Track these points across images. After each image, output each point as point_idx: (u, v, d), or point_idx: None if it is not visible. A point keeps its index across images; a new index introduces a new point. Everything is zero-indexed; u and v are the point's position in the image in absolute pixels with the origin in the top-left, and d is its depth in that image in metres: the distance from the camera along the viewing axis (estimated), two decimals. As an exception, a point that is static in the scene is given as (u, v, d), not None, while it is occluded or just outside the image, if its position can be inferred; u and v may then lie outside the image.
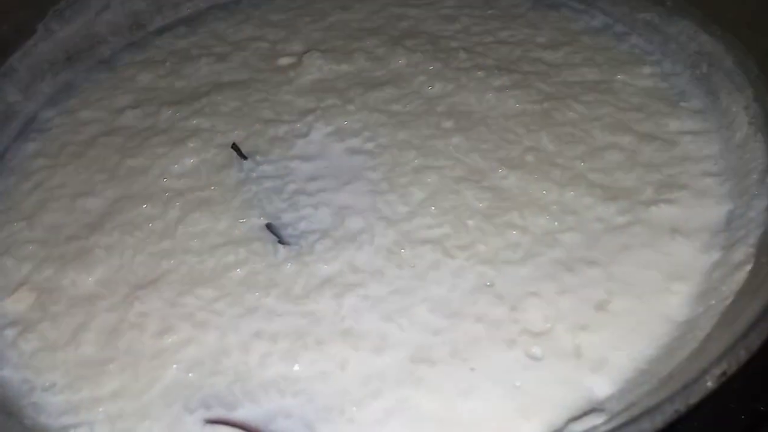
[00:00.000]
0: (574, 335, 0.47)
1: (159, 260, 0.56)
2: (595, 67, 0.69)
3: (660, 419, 0.32)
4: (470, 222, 0.56)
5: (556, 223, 0.54)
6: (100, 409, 0.47)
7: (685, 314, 0.47)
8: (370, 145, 0.64)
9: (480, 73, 0.70)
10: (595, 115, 0.64)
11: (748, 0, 0.59)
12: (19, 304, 0.55)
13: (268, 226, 0.57)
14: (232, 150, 0.65)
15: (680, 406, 0.32)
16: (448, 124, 0.65)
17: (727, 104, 0.60)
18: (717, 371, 0.34)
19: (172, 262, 0.56)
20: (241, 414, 0.45)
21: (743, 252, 0.47)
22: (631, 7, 0.72)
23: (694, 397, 0.33)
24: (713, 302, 0.45)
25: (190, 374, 0.48)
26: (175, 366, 0.49)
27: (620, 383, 0.44)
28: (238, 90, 0.72)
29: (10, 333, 0.53)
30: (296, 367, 0.48)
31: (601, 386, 0.44)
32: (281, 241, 0.56)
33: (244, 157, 0.64)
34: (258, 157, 0.64)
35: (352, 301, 0.51)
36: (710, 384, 0.33)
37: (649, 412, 0.33)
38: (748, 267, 0.45)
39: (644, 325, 0.47)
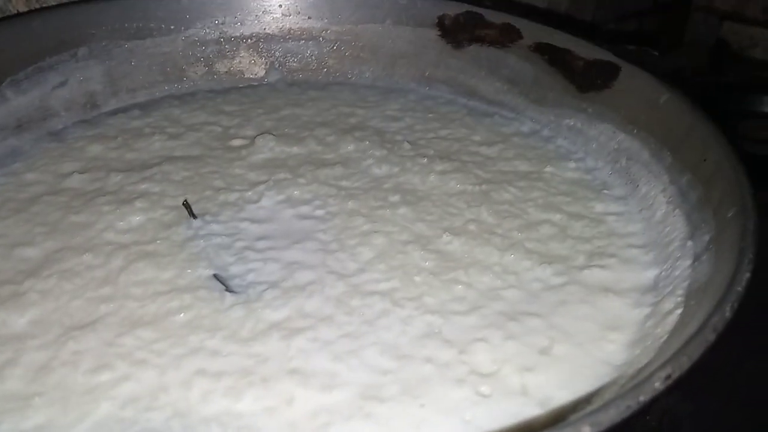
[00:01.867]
0: (520, 375, 0.48)
1: (97, 305, 0.54)
2: (526, 160, 0.76)
3: (615, 413, 0.33)
4: (417, 278, 0.57)
5: (498, 281, 0.57)
6: (22, 443, 0.43)
7: (622, 358, 0.49)
8: (320, 212, 0.66)
9: (423, 160, 0.75)
10: (528, 197, 0.69)
11: (659, 103, 0.68)
12: (-61, 342, 0.51)
13: (216, 276, 0.57)
14: (182, 209, 0.65)
15: (632, 402, 0.34)
16: (394, 198, 0.68)
17: (646, 190, 0.67)
18: (662, 374, 0.35)
19: (111, 306, 0.54)
20: (179, 448, 0.43)
21: (672, 301, 0.51)
22: (556, 115, 0.81)
23: (645, 395, 0.34)
24: (649, 343, 0.48)
25: (124, 410, 0.45)
26: (108, 402, 0.46)
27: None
28: (190, 163, 0.74)
29: (-75, 370, 0.48)
30: (240, 403, 0.46)
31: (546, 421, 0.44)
32: (228, 290, 0.56)
33: (194, 216, 0.64)
34: (207, 217, 0.65)
35: (301, 343, 0.51)
36: (658, 384, 0.35)
37: (603, 407, 0.34)
38: (679, 311, 0.48)
39: (585, 367, 0.49)
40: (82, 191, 0.69)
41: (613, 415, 0.34)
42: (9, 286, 0.56)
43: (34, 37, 0.80)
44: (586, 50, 0.79)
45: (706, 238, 0.53)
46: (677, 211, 0.61)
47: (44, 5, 0.90)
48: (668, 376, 0.35)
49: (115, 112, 0.85)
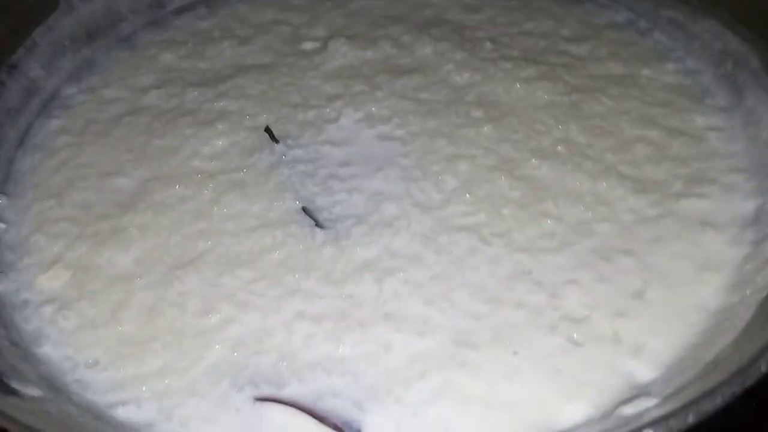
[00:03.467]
0: (612, 322, 0.48)
1: (195, 241, 0.56)
2: (620, 61, 0.70)
3: (720, 400, 0.33)
4: (505, 210, 0.56)
5: (590, 214, 0.56)
6: (146, 387, 0.47)
7: (718, 304, 0.49)
8: (400, 132, 0.64)
9: (507, 64, 0.70)
10: (622, 108, 0.65)
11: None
12: (54, 281, 0.54)
13: (304, 210, 0.58)
14: (263, 133, 0.65)
15: (737, 388, 0.34)
16: (477, 113, 0.65)
17: (752, 103, 0.62)
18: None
19: (208, 243, 0.56)
20: (289, 392, 0.46)
21: (775, 245, 0.49)
22: (656, 4, 0.73)
23: (749, 380, 0.34)
24: (748, 293, 0.47)
25: (234, 353, 0.49)
26: (218, 345, 0.49)
27: (661, 368, 0.45)
28: (263, 74, 0.72)
29: (47, 310, 0.52)
30: (341, 348, 0.48)
31: (642, 371, 0.45)
32: (318, 225, 0.57)
33: (276, 141, 0.64)
34: (289, 141, 0.64)
35: (392, 285, 0.52)
36: (764, 368, 0.34)
37: (709, 393, 0.34)
38: (784, 259, 0.47)
39: (679, 313, 0.48)
40: (162, 110, 0.69)
41: (719, 402, 0.34)
42: (108, 220, 0.58)
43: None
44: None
45: (820, 174, 0.50)
46: (788, 133, 0.56)
47: None
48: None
49: (180, 11, 0.82)
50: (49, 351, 0.50)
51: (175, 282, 0.53)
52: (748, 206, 0.55)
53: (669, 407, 0.35)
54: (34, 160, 0.65)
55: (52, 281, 0.54)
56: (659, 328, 0.48)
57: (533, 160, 0.60)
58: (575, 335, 0.48)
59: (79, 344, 0.50)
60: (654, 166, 0.59)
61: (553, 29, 0.75)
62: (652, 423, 0.33)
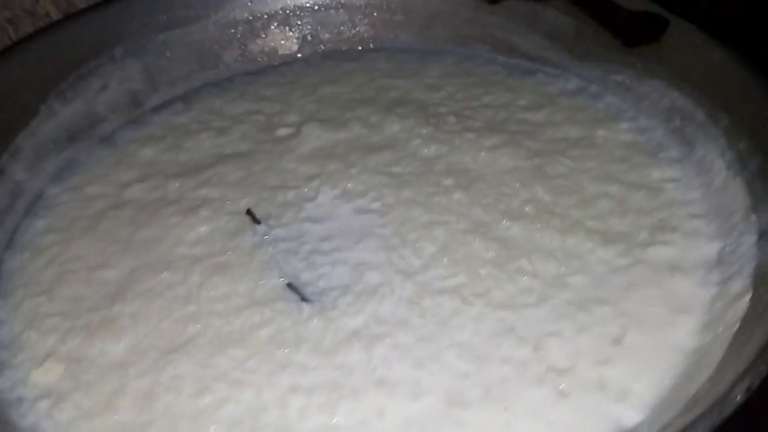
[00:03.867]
0: (596, 369, 0.50)
1: (185, 325, 0.57)
2: (576, 124, 0.75)
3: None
4: (483, 271, 0.59)
5: (563, 268, 0.58)
6: (145, 473, 0.47)
7: (693, 344, 0.51)
8: (376, 205, 0.67)
9: (471, 135, 0.75)
10: (582, 167, 0.69)
11: (712, 58, 0.66)
12: (48, 375, 0.55)
13: (290, 286, 0.60)
14: (245, 216, 0.67)
15: (716, 419, 0.36)
16: (447, 181, 0.69)
17: (702, 153, 0.66)
18: (743, 386, 0.37)
19: (198, 326, 0.57)
20: (287, 467, 0.46)
21: (740, 284, 0.52)
22: (603, 70, 0.79)
23: (727, 410, 0.36)
24: (720, 330, 0.49)
25: (231, 432, 0.49)
26: (214, 426, 0.50)
27: (646, 411, 0.47)
28: (241, 160, 0.75)
29: (43, 404, 0.53)
30: (335, 418, 0.49)
31: (630, 415, 0.47)
32: (304, 299, 0.58)
33: (258, 222, 0.66)
34: (270, 221, 0.67)
35: (381, 351, 0.53)
36: (739, 398, 0.36)
37: (690, 426, 0.36)
38: (748, 296, 0.49)
39: (659, 355, 0.50)
40: (145, 202, 0.71)
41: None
42: (99, 312, 0.59)
43: (70, 44, 0.80)
44: (629, 1, 0.76)
45: (772, 212, 0.54)
46: (737, 179, 0.60)
47: (71, 4, 0.90)
48: (748, 388, 0.37)
49: (158, 109, 0.86)
50: (46, 446, 0.50)
51: (168, 366, 0.54)
52: (711, 249, 0.58)
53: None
54: (23, 259, 0.66)
55: (46, 375, 0.55)
56: (641, 372, 0.50)
57: (504, 221, 0.63)
58: (562, 386, 0.49)
59: (76, 437, 0.50)
60: (618, 219, 0.63)
61: (510, 100, 0.81)
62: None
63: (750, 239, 0.55)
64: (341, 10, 0.94)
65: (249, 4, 0.91)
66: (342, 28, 0.94)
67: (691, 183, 0.65)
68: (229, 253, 0.64)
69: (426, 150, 0.74)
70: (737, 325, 0.48)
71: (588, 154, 0.71)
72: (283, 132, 0.79)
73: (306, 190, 0.70)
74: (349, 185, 0.70)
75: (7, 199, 0.71)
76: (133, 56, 0.85)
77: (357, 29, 0.94)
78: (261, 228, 0.66)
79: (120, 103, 0.84)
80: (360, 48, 0.93)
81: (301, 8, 0.93)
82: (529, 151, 0.72)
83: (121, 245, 0.66)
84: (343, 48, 0.93)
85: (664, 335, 0.52)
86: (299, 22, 0.93)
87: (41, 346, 0.57)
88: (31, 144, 0.74)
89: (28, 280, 0.64)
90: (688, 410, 0.41)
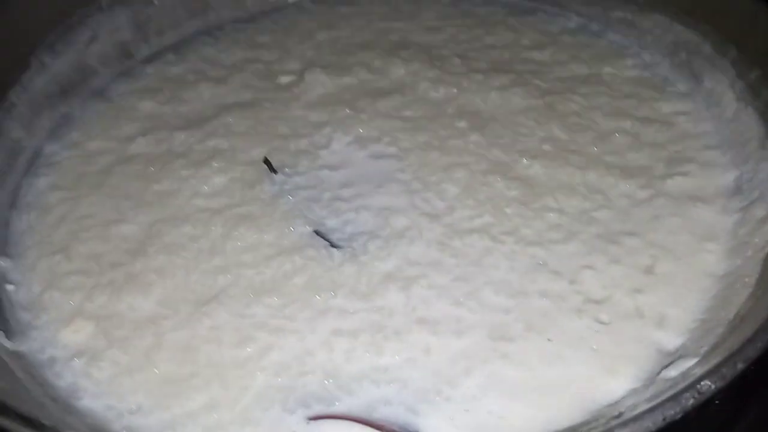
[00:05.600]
0: (632, 298, 0.52)
1: (215, 276, 0.56)
2: (581, 62, 0.75)
3: (761, 345, 0.37)
4: (508, 210, 0.59)
5: (587, 203, 0.59)
6: (197, 423, 0.47)
7: (723, 268, 0.53)
8: (392, 150, 0.67)
9: (478, 76, 0.74)
10: (594, 104, 0.69)
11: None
12: (78, 334, 0.54)
13: (317, 233, 0.59)
14: (260, 166, 0.66)
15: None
16: (461, 124, 0.69)
17: (711, 86, 0.67)
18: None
19: (229, 276, 0.56)
20: (342, 407, 0.47)
21: (764, 209, 0.53)
22: (604, 7, 0.79)
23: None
24: (749, 254, 0.51)
25: (279, 378, 0.49)
26: (261, 372, 0.50)
27: (686, 334, 0.48)
28: (246, 110, 0.73)
29: (78, 363, 0.52)
30: (383, 358, 0.50)
31: (669, 339, 0.49)
32: (333, 245, 0.58)
33: (275, 171, 0.65)
34: (287, 170, 0.66)
35: (418, 291, 0.54)
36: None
37: (751, 340, 0.37)
38: (775, 219, 0.51)
39: (691, 281, 0.52)
40: (152, 155, 0.69)
41: (760, 346, 0.37)
42: (121, 268, 0.58)
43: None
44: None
45: (790, 139, 0.55)
46: (749, 109, 0.62)
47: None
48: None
49: (150, 60, 0.83)
50: (89, 403, 0.49)
51: (203, 318, 0.53)
52: (728, 178, 0.60)
53: (712, 362, 0.38)
54: (30, 219, 0.64)
55: (75, 334, 0.54)
56: (675, 298, 0.51)
57: (524, 160, 0.64)
58: (601, 315, 0.51)
59: (118, 392, 0.50)
60: (635, 153, 0.64)
61: (513, 40, 0.80)
62: (708, 374, 0.35)
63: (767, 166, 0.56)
64: (331, -52, 0.90)
65: (236, -53, 0.88)
66: (333, -33, 0.91)
67: (701, 115, 0.67)
68: (250, 203, 0.63)
69: (435, 93, 0.73)
70: (767, 249, 0.49)
71: (597, 91, 0.71)
72: (285, 79, 0.77)
73: (318, 137, 0.69)
74: (362, 131, 0.69)
75: (7, 158, 0.68)
76: (120, 4, 0.81)
77: (349, -31, 0.91)
78: (278, 177, 0.65)
79: (110, 54, 0.80)
80: (354, -10, 0.91)
81: (290, -49, 0.90)
82: (538, 90, 0.72)
83: (135, 200, 0.64)
84: (336, -10, 0.91)
85: (693, 262, 0.53)
86: (288, -35, 0.90)
87: (66, 305, 0.56)
88: (24, 99, 0.71)
89: (40, 239, 0.62)
90: (735, 329, 0.43)
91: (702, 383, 0.35)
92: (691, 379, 0.36)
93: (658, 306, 0.51)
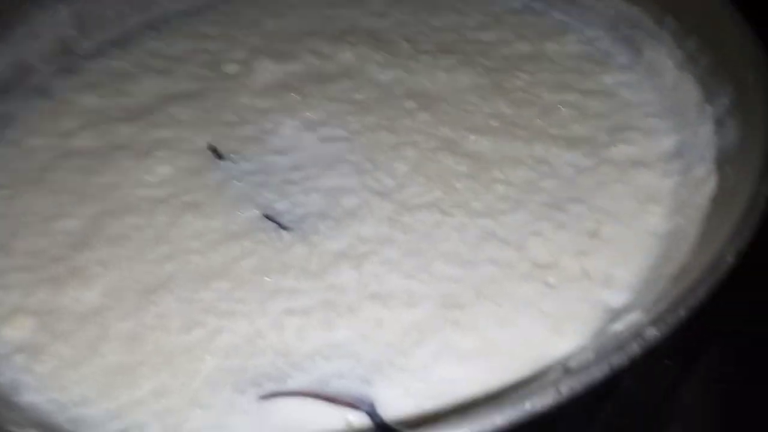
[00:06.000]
0: (578, 261, 0.52)
1: (161, 264, 0.55)
2: (525, 41, 0.76)
3: (702, 292, 0.37)
4: (458, 184, 0.59)
5: (534, 173, 0.60)
6: (145, 410, 0.46)
7: (665, 228, 0.53)
8: (341, 132, 0.66)
9: (426, 58, 0.74)
10: (538, 80, 0.70)
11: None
12: (18, 330, 0.52)
13: (266, 216, 0.58)
14: (206, 154, 0.65)
15: (713, 280, 0.38)
16: (410, 104, 0.69)
17: (651, 56, 0.68)
18: (733, 249, 0.39)
19: (175, 263, 0.55)
20: (294, 384, 0.46)
21: (703, 169, 0.54)
22: (545, -14, 0.80)
23: (719, 273, 0.38)
24: (690, 212, 0.52)
25: (229, 361, 0.48)
26: (210, 356, 0.49)
27: (631, 292, 0.49)
28: (191, 100, 0.72)
29: (19, 359, 0.50)
30: (335, 334, 0.49)
31: (615, 297, 0.49)
32: (282, 227, 0.57)
33: (221, 158, 0.64)
34: (233, 156, 0.65)
35: (370, 268, 0.53)
36: (731, 259, 0.39)
37: (692, 290, 0.38)
38: (714, 179, 0.52)
39: (634, 242, 0.53)
40: (94, 149, 0.67)
41: (701, 294, 0.38)
42: (64, 262, 0.57)
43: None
44: None
45: (726, 101, 0.56)
46: (688, 76, 0.63)
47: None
48: (738, 252, 0.39)
49: (92, 55, 0.81)
50: (31, 398, 0.47)
51: (150, 306, 0.52)
52: (669, 142, 0.61)
53: (655, 312, 0.39)
54: (-34, 219, 0.62)
55: (16, 330, 0.52)
56: (620, 258, 0.52)
57: (471, 136, 0.64)
58: (549, 279, 0.51)
59: (62, 385, 0.48)
60: (579, 124, 0.64)
61: (458, 22, 0.81)
62: (652, 322, 0.36)
63: (707, 129, 0.57)
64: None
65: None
66: (276, -42, 0.90)
67: (643, 85, 0.68)
68: (196, 191, 0.61)
69: (383, 76, 0.73)
70: (709, 207, 0.50)
71: (542, 67, 0.72)
72: (231, 68, 0.77)
73: (265, 123, 0.68)
74: (310, 115, 0.69)
75: (-59, 159, 0.65)
76: (61, 1, 0.79)
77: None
78: (225, 164, 0.64)
79: (51, 50, 0.79)
80: (298, -21, 0.90)
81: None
82: (485, 69, 0.72)
83: (76, 195, 0.63)
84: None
85: (636, 224, 0.54)
86: (229, -44, 0.89)
87: (5, 302, 0.54)
88: (-41, 99, 0.69)
89: (-22, 238, 0.60)
90: (678, 283, 0.43)
91: (647, 330, 0.35)
92: (635, 329, 0.37)
93: (603, 267, 0.51)
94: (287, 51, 0.78)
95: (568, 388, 0.34)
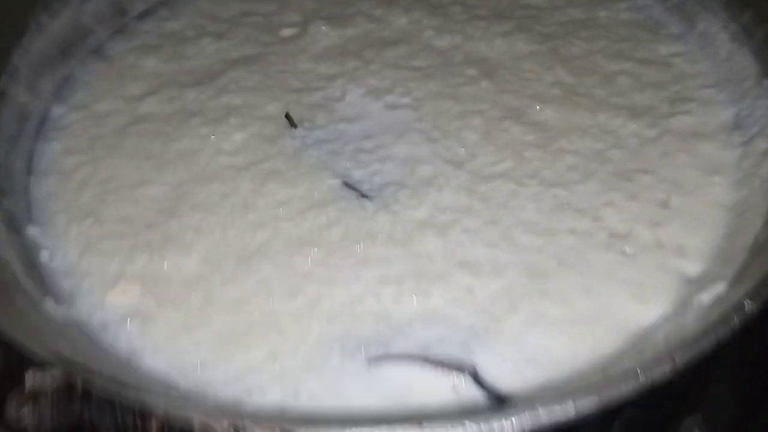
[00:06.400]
0: (652, 231, 0.56)
1: (253, 232, 0.58)
2: (577, 6, 0.78)
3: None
4: (527, 154, 0.62)
5: (600, 144, 0.63)
6: (263, 372, 0.50)
7: (732, 199, 0.57)
8: (406, 100, 0.68)
9: (481, 23, 0.76)
10: (594, 48, 0.72)
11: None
12: (125, 296, 0.55)
13: (346, 185, 0.61)
14: (278, 121, 0.67)
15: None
16: (471, 71, 0.71)
17: (703, 27, 0.71)
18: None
19: (267, 231, 0.58)
20: (398, 348, 0.50)
21: (764, 142, 0.58)
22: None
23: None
24: (757, 184, 0.56)
25: (333, 326, 0.52)
26: (315, 321, 0.52)
27: (706, 261, 0.53)
28: (253, 64, 0.73)
29: (132, 325, 0.53)
30: (430, 301, 0.53)
31: (690, 266, 0.53)
32: (364, 196, 0.60)
33: (295, 126, 0.66)
34: (305, 124, 0.67)
35: (454, 236, 0.56)
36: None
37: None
38: (778, 152, 0.56)
39: (703, 212, 0.57)
40: (166, 114, 0.69)
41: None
42: (157, 229, 0.59)
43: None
44: None
45: (786, 77, 0.59)
46: (744, 49, 0.66)
47: None
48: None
49: (143, 16, 0.81)
50: (151, 363, 0.51)
51: (250, 273, 0.55)
52: (727, 114, 0.64)
53: (747, 285, 0.43)
54: (49, 186, 0.64)
55: (122, 297, 0.55)
56: (691, 229, 0.55)
57: (536, 105, 0.66)
58: (626, 248, 0.55)
59: (179, 350, 0.51)
60: (639, 94, 0.67)
61: (509, -14, 0.81)
62: (747, 295, 0.40)
63: (766, 103, 0.60)
64: None
65: None
66: None
67: (696, 56, 0.70)
68: (274, 158, 0.64)
69: (440, 41, 0.74)
70: (774, 178, 0.54)
71: (596, 34, 0.74)
72: (287, 32, 0.77)
73: (331, 90, 0.70)
74: (374, 82, 0.70)
75: (16, 123, 0.66)
76: (110, -39, 0.79)
77: None
78: (299, 132, 0.66)
79: (105, 12, 0.78)
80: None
81: None
82: (540, 35, 0.74)
83: (156, 161, 0.65)
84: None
85: (703, 195, 0.58)
86: None
87: (107, 268, 0.57)
88: (26, 62, 0.69)
89: (66, 205, 0.62)
90: (757, 255, 0.47)
91: (746, 302, 0.39)
92: (731, 302, 0.41)
93: (676, 237, 0.55)
94: (341, 14, 0.78)
95: (681, 358, 0.38)
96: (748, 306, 0.39)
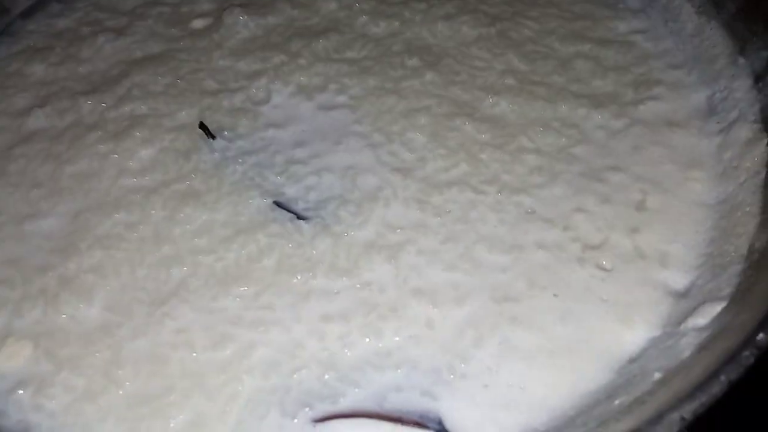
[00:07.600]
0: (630, 238, 0.49)
1: (167, 269, 0.49)
2: (525, -18, 0.70)
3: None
4: (483, 155, 0.55)
5: (564, 139, 0.56)
6: (186, 446, 0.41)
7: (715, 196, 0.51)
8: (342, 98, 0.60)
9: (420, 5, 0.68)
10: (547, 28, 0.65)
11: None
12: (14, 359, 0.45)
13: (277, 204, 0.52)
14: (191, 132, 0.57)
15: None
16: (412, 62, 0.62)
17: (665, 0, 0.64)
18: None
19: (184, 267, 0.49)
20: (348, 402, 0.42)
21: (748, 130, 0.52)
22: None
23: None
24: (742, 179, 0.49)
25: (269, 379, 0.43)
26: (248, 375, 0.44)
27: (692, 271, 0.47)
28: (160, 65, 0.63)
29: (23, 394, 0.43)
30: (383, 340, 0.45)
31: (676, 278, 0.47)
32: (299, 217, 0.51)
33: (212, 136, 0.57)
34: (226, 134, 0.57)
35: (407, 259, 0.49)
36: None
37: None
38: (765, 140, 0.49)
39: (685, 214, 0.50)
40: (58, 130, 0.59)
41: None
42: (51, 272, 0.49)
43: None
44: None
45: (765, 53, 0.53)
46: (713, 22, 0.59)
47: None
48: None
49: (30, 13, 0.70)
50: (47, 442, 0.41)
51: (165, 320, 0.46)
52: (699, 98, 0.58)
53: (756, 310, 0.36)
54: None
55: (11, 360, 0.45)
56: (673, 233, 0.49)
57: (488, 98, 0.59)
58: (603, 261, 0.48)
59: (81, 422, 0.42)
60: (600, 80, 0.60)
61: (448, -38, 0.73)
62: (761, 326, 0.33)
63: (745, 83, 0.54)
64: None
65: None
66: None
67: (659, 32, 0.64)
68: (190, 177, 0.54)
69: (375, 28, 0.66)
70: (762, 172, 0.48)
71: (548, 13, 0.67)
72: (199, 24, 0.68)
73: (254, 90, 0.61)
74: (303, 79, 0.61)
75: None
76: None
77: None
78: (218, 143, 0.57)
79: (-21, 10, 0.67)
80: None
81: None
82: (487, 17, 0.66)
83: (47, 188, 0.54)
84: None
85: (682, 193, 0.51)
86: None
87: (-10, 326, 0.47)
88: None
89: (-61, 248, 0.51)
90: (760, 267, 0.41)
91: (759, 337, 0.32)
92: (744, 334, 0.34)
93: (657, 243, 0.49)
94: (260, 1, 0.69)
95: (690, 412, 0.31)
96: (763, 339, 0.32)
